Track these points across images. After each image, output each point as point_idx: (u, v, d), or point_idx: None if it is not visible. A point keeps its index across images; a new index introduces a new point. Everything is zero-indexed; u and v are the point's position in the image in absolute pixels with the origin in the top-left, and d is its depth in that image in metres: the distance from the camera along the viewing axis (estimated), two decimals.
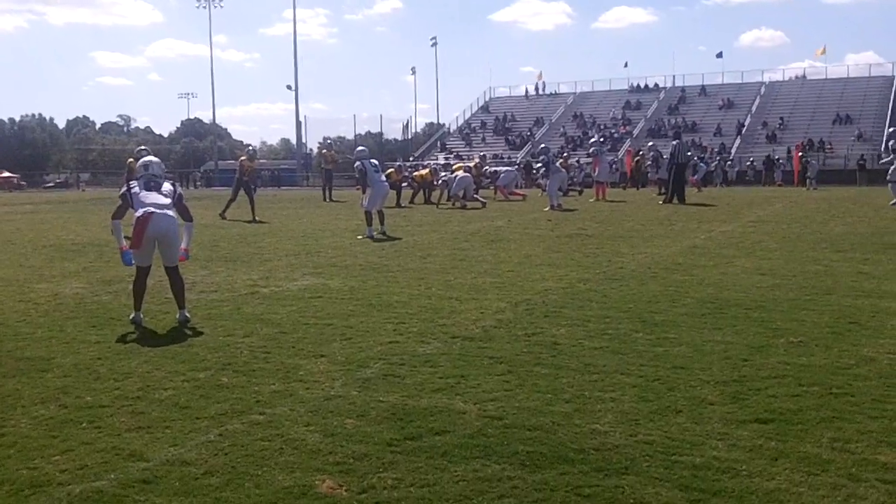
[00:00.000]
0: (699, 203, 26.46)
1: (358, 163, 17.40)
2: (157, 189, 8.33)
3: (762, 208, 23.64)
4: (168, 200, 8.28)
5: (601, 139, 37.92)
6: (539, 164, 28.72)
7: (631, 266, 11.71)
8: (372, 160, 17.60)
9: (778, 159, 52.14)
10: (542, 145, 31.31)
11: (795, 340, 6.99)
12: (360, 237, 16.52)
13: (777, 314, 8.09)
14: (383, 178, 18.02)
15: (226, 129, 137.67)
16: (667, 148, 31.71)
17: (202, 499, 4.01)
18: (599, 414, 5.18)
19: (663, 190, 29.47)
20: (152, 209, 8.09)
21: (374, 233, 16.53)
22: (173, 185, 8.60)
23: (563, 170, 29.94)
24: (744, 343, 6.93)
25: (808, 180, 42.71)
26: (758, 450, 4.54)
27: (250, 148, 28.87)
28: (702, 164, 41.47)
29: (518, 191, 33.60)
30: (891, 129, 19.56)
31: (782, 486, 4.06)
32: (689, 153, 29.66)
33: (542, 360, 6.50)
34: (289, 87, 73.97)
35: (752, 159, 54.99)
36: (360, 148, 18.84)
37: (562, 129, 69.79)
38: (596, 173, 31.37)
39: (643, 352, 6.71)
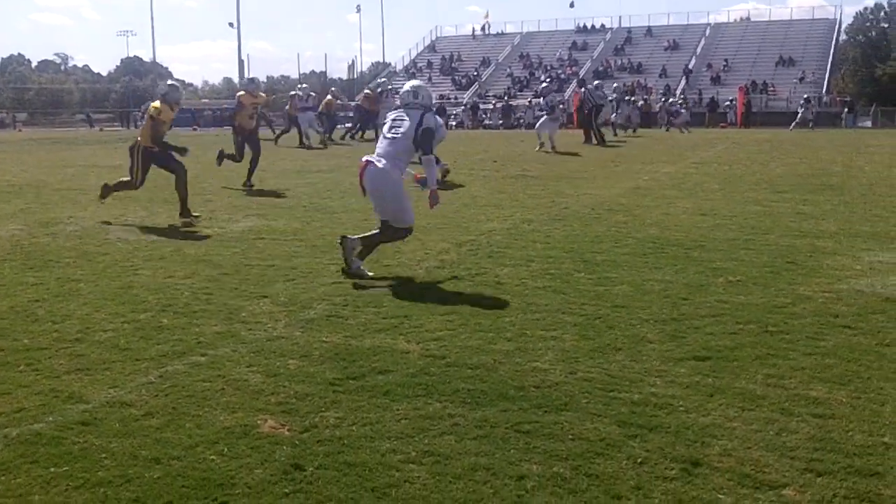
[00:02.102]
0: (642, 144, 26.60)
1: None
2: (399, 127, 7.50)
3: (705, 150, 23.86)
4: (392, 147, 7.45)
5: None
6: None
7: (574, 207, 11.78)
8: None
9: (732, 100, 52.26)
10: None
11: (734, 279, 7.11)
12: None
13: (716, 254, 8.22)
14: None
15: (167, 68, 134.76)
16: (609, 90, 31.95)
17: (142, 440, 3.99)
18: (540, 352, 5.25)
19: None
20: (370, 159, 7.50)
21: None
22: (421, 118, 7.46)
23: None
24: (683, 282, 7.04)
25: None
26: (694, 386, 4.64)
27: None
28: (682, 109, 41.16)
29: None
30: None
31: (717, 421, 4.15)
32: (601, 96, 30.06)
33: (485, 300, 6.54)
34: (231, 25, 72.61)
35: (681, 100, 54.93)
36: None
37: (508, 70, 69.43)
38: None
39: (585, 291, 6.79)
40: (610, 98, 34.60)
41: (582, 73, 65.66)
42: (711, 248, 8.53)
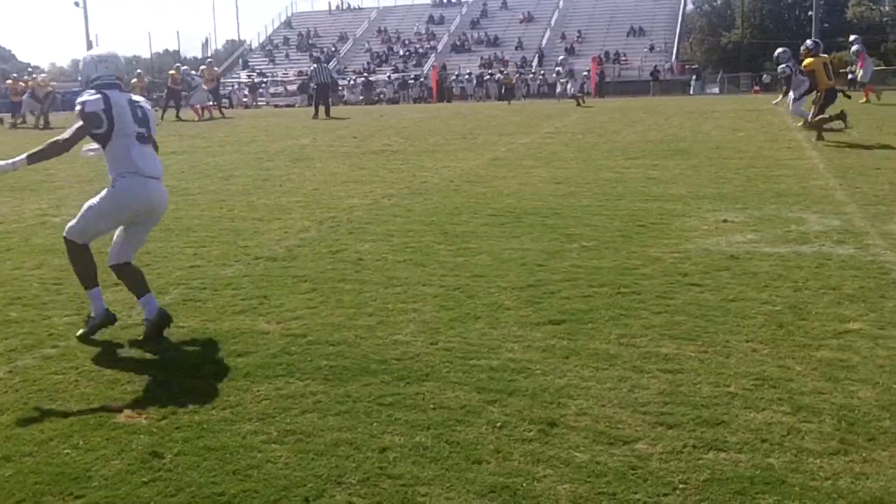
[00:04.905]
0: (501, 116, 26.89)
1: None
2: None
3: (559, 120, 24.30)
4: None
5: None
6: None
7: (434, 180, 11.87)
8: None
9: (587, 71, 53.27)
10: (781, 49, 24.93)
11: (588, 244, 7.31)
12: None
13: (571, 220, 8.43)
14: None
15: (10, 51, 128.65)
16: (469, 64, 32.27)
17: None
18: (402, 325, 5.29)
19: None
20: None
21: None
22: None
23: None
24: (540, 249, 7.20)
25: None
26: (550, 349, 4.76)
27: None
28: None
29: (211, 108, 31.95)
30: (780, 51, 19.63)
31: (573, 382, 4.28)
32: (331, 75, 32.86)
33: (347, 276, 6.54)
34: (76, 4, 69.28)
35: (521, 73, 55.07)
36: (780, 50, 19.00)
37: (366, 45, 69.09)
38: (860, 75, 26.74)
39: (445, 262, 6.87)
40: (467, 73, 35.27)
41: (440, 47, 65.92)
42: (567, 215, 8.74)
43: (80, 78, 5.51)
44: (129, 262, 5.39)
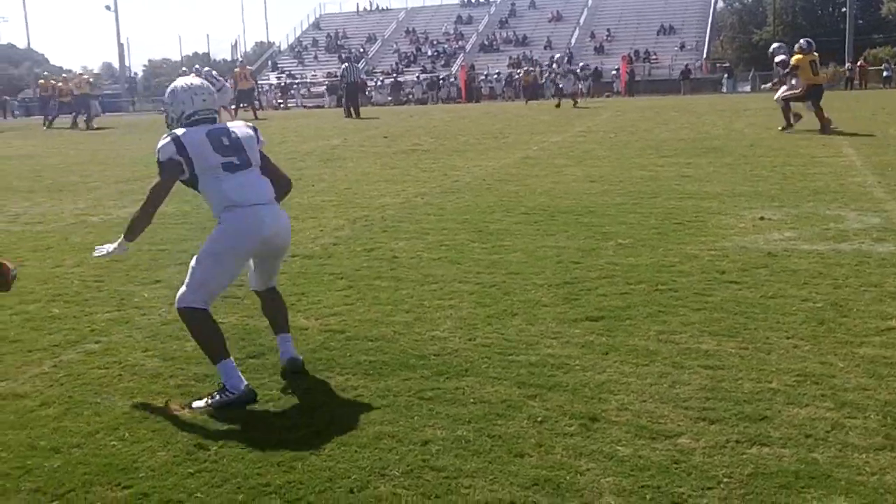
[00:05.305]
0: (530, 115, 26.86)
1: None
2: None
3: (591, 119, 24.24)
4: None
5: None
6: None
7: (466, 179, 11.88)
8: None
9: (616, 69, 53.16)
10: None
11: (624, 242, 7.30)
12: None
13: (606, 218, 8.41)
14: None
15: (43, 55, 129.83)
16: (498, 64, 32.19)
17: (40, 430, 3.91)
18: (439, 321, 5.31)
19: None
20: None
21: None
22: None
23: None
24: (575, 247, 7.19)
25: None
26: (589, 345, 4.76)
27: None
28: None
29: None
30: (775, 45, 19.81)
31: (613, 378, 4.28)
32: (361, 75, 33.08)
33: (382, 274, 6.57)
34: (108, 8, 70.11)
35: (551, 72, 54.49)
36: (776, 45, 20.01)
37: (395, 46, 69.23)
38: None
39: (480, 260, 6.87)
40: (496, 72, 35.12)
41: (468, 47, 65.93)
42: (601, 213, 8.73)
43: (167, 115, 4.85)
44: (270, 288, 4.83)
